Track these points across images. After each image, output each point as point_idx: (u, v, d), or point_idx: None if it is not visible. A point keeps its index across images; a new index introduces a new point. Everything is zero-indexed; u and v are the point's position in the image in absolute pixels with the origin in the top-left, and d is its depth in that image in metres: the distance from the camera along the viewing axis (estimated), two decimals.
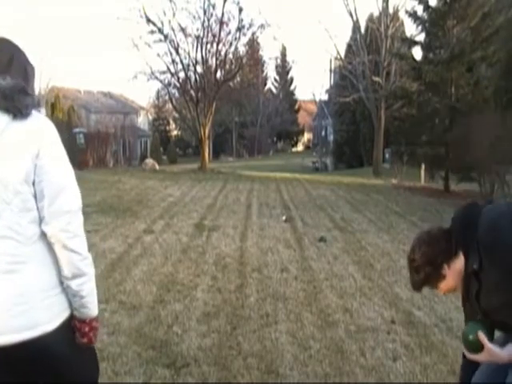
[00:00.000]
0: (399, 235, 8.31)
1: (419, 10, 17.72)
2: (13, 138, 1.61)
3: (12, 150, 1.61)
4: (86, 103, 39.63)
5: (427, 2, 17.12)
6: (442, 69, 16.32)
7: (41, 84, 34.71)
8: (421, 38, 19.80)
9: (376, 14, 28.09)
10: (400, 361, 3.59)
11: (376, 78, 25.80)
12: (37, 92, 34.24)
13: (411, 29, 29.56)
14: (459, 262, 2.05)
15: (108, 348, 3.63)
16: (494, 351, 1.97)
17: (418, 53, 23.50)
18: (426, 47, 19.05)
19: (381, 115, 25.95)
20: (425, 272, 2.11)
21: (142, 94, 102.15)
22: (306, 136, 68.59)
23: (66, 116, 29.98)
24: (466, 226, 2.02)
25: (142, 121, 48.46)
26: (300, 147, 67.52)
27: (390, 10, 26.18)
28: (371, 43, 27.24)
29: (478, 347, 2.00)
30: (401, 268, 6.19)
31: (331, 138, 41.99)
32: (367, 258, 6.75)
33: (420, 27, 18.42)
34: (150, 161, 26.39)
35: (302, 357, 3.62)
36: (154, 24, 23.56)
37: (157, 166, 25.33)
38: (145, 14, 23.29)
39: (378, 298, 5.01)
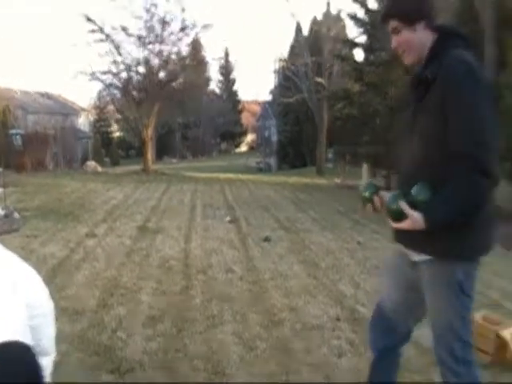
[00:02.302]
0: (343, 234, 8.45)
1: (360, 12, 18.15)
2: None
3: None
4: (22, 103, 38.23)
5: (367, 5, 17.53)
6: (382, 70, 16.72)
7: None
8: (362, 39, 20.27)
9: (319, 16, 28.54)
10: (345, 357, 3.65)
11: (319, 79, 26.19)
12: None
13: (353, 31, 30.17)
14: (415, 36, 2.17)
15: None
16: (416, 217, 2.06)
17: (359, 54, 24.01)
18: (367, 49, 19.49)
19: (323, 116, 26.34)
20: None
21: (83, 95, 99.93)
22: (250, 137, 68.74)
23: (0, 116, 28.85)
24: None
25: (83, 122, 47.22)
26: (244, 148, 67.63)
27: (333, 13, 26.66)
28: (314, 45, 27.62)
29: (401, 215, 2.12)
30: (345, 266, 6.30)
31: (275, 138, 42.26)
32: (312, 256, 6.82)
33: (361, 29, 18.85)
34: (91, 163, 25.88)
35: (249, 357, 3.62)
36: (95, 23, 23.14)
37: (99, 168, 24.87)
38: (84, 12, 22.86)
39: (322, 296, 5.08)
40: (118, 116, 41.80)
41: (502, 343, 3.49)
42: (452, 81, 2.02)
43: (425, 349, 3.78)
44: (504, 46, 10.90)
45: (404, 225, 2.11)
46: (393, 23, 2.20)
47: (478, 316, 3.77)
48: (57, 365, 3.36)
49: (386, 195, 2.24)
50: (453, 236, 2.11)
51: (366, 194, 2.36)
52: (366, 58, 19.91)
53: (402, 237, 2.28)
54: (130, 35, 23.80)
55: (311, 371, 3.42)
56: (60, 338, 3.79)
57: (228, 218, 9.65)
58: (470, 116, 1.99)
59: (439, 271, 2.19)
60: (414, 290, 2.34)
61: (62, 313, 4.38)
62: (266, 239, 7.72)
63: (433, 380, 3.31)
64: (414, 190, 2.14)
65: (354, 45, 20.76)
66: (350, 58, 20.84)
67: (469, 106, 1.99)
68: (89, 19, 22.97)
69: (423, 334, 4.05)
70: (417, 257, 2.26)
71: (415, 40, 2.18)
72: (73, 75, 24.84)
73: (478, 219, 2.12)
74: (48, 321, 1.82)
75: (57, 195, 13.00)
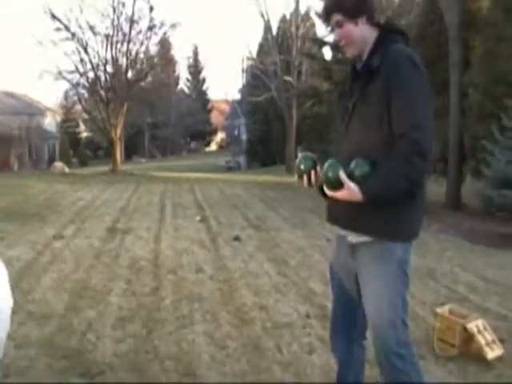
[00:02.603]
0: (312, 231, 8.49)
1: None
2: None
3: None
4: None
5: None
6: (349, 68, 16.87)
7: None
8: (331, 38, 20.39)
9: (288, 15, 28.62)
10: (316, 354, 3.67)
11: (287, 78, 26.25)
12: None
13: (322, 29, 30.38)
14: (357, 29, 2.26)
15: (16, 362, 3.45)
16: (353, 188, 2.12)
17: (328, 53, 24.14)
18: (335, 47, 19.59)
19: (292, 114, 26.44)
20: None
21: (49, 95, 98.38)
22: (220, 135, 68.64)
23: None
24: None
25: (50, 122, 46.41)
26: (213, 147, 67.50)
27: (302, 11, 26.79)
28: (283, 43, 27.69)
29: (337, 184, 2.15)
30: (315, 263, 6.34)
31: (244, 137, 42.31)
32: (282, 254, 6.85)
33: (329, 28, 18.95)
34: (58, 164, 25.49)
35: (219, 356, 3.61)
36: (60, 21, 22.78)
37: (66, 169, 24.50)
38: (49, 9, 22.48)
39: (293, 294, 5.10)
40: (86, 116, 41.27)
41: (468, 336, 3.56)
42: (396, 71, 2.12)
43: None
44: (468, 46, 11.13)
45: (340, 194, 2.16)
46: (336, 17, 2.27)
47: (445, 309, 3.85)
48: (25, 370, 3.33)
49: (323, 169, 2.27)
50: (394, 217, 2.20)
51: (302, 167, 2.36)
52: (334, 57, 20.05)
53: (341, 217, 2.34)
54: (97, 34, 23.52)
55: (282, 369, 3.44)
56: (28, 343, 3.75)
57: (198, 218, 9.62)
58: (411, 103, 2.09)
59: (379, 251, 2.26)
60: (356, 277, 2.40)
61: (29, 317, 4.32)
62: (236, 238, 7.72)
63: None
64: (352, 164, 2.18)
65: (323, 43, 20.90)
66: (319, 57, 20.96)
67: (411, 95, 2.09)
68: (54, 17, 22.59)
69: None
70: (355, 238, 2.31)
71: (357, 33, 2.27)
72: (38, 74, 24.39)
73: (416, 202, 2.22)
74: (3, 319, 1.76)
75: (23, 197, 12.78)
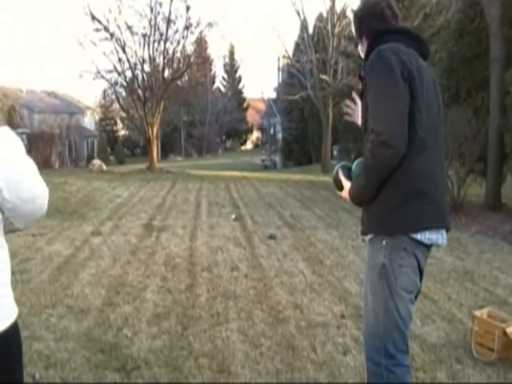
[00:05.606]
0: (347, 231, 8.43)
1: None
2: None
3: None
4: (28, 103, 38.29)
5: None
6: None
7: None
8: None
9: (324, 13, 28.43)
10: (350, 354, 3.65)
11: (323, 76, 26.09)
12: None
13: None
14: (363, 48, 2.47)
15: (55, 354, 3.54)
16: (347, 188, 2.26)
17: None
18: None
19: (328, 113, 26.28)
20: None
21: (88, 94, 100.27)
22: (255, 134, 68.80)
23: (6, 116, 28.86)
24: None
25: (89, 121, 47.39)
26: (249, 145, 67.70)
27: (337, 10, 26.59)
28: (319, 42, 27.53)
29: (338, 184, 2.32)
30: (350, 263, 6.29)
31: (280, 135, 42.23)
32: (316, 254, 6.82)
33: None
34: (97, 161, 25.84)
35: (254, 354, 3.62)
36: (100, 22, 23.13)
37: (104, 167, 24.84)
38: (90, 11, 22.86)
39: (327, 294, 5.07)
40: (123, 115, 41.87)
41: (508, 341, 3.48)
42: (367, 72, 2.23)
43: (429, 346, 3.78)
44: (510, 43, 10.84)
45: (343, 194, 2.31)
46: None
47: (483, 312, 3.77)
48: (63, 363, 3.40)
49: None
50: (376, 209, 2.21)
51: (334, 174, 2.40)
52: None
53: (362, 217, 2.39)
54: (134, 34, 23.81)
55: (316, 369, 3.43)
56: (66, 337, 3.83)
57: (233, 216, 9.65)
58: (375, 99, 2.14)
59: (370, 249, 2.29)
60: None
61: (68, 311, 4.42)
62: (271, 237, 7.72)
63: (438, 377, 3.31)
64: (353, 165, 2.26)
65: None
66: (355, 55, 20.75)
67: (374, 90, 2.16)
68: (94, 17, 22.96)
69: (428, 330, 4.06)
70: (366, 237, 2.36)
71: (362, 51, 2.50)
72: (78, 74, 24.84)
73: (401, 194, 2.15)
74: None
75: (62, 194, 13.05)
